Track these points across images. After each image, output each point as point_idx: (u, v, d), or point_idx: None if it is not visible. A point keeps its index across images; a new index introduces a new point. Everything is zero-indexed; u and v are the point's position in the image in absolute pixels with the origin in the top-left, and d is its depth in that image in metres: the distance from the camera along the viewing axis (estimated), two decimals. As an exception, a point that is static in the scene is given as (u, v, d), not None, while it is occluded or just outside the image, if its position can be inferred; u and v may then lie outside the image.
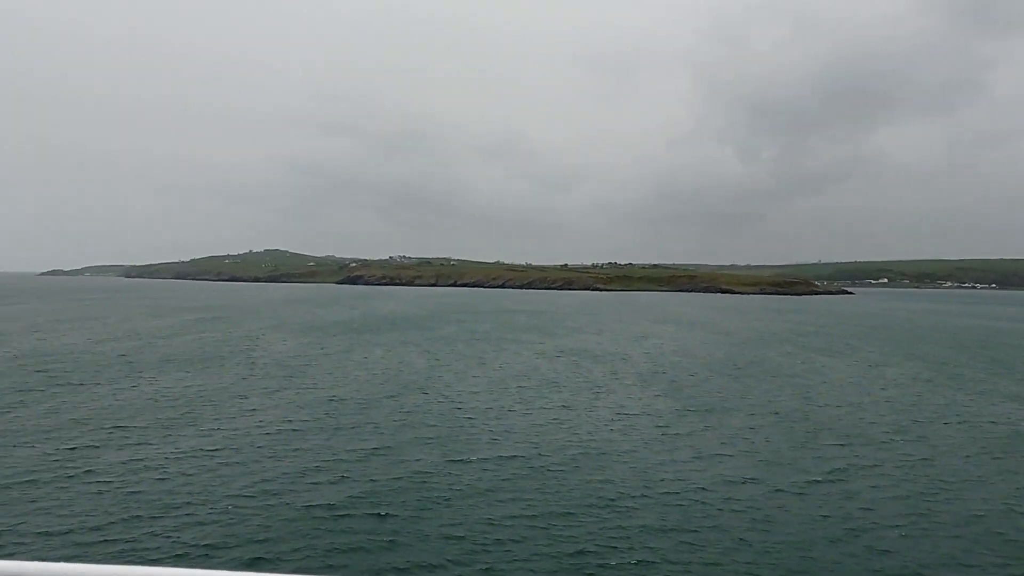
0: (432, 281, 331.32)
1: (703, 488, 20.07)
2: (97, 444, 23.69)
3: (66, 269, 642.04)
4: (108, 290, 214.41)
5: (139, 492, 18.73)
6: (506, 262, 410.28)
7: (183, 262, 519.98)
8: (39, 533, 15.75)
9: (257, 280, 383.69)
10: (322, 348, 54.72)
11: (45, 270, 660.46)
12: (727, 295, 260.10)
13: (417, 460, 22.50)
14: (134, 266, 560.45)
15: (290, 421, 27.92)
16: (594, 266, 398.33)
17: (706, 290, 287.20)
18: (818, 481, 21.02)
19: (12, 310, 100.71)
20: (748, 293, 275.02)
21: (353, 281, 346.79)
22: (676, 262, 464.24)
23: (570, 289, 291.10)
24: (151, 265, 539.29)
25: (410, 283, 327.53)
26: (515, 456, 23.23)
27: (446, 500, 18.68)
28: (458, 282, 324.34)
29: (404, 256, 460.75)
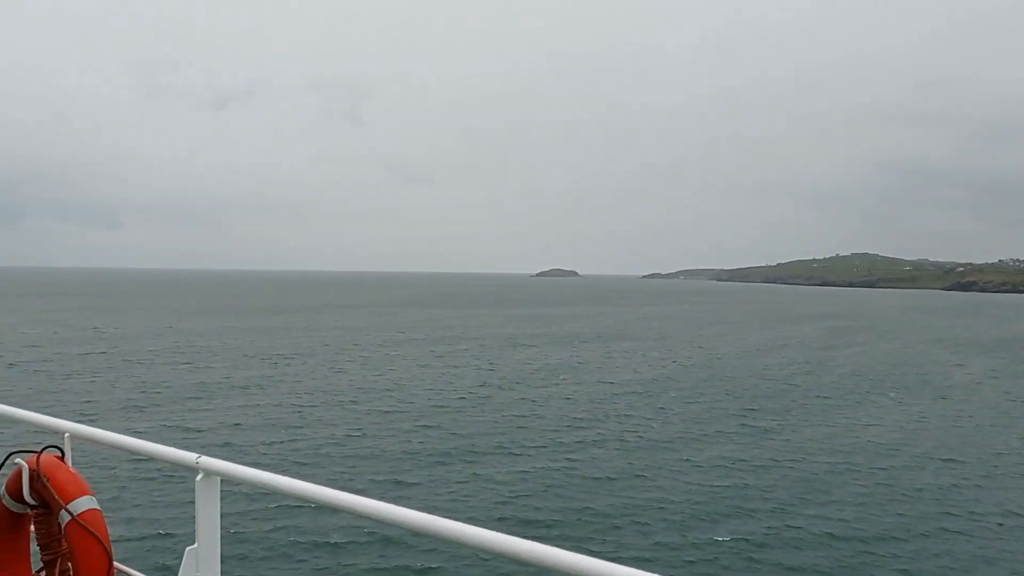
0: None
1: None
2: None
3: (663, 273, 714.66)
4: (708, 293, 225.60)
5: None
6: None
7: (770, 266, 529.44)
8: None
9: (851, 285, 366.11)
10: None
11: (645, 273, 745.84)
12: None
13: None
14: (724, 270, 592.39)
15: None
16: None
17: None
18: None
19: (651, 311, 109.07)
20: None
21: (964, 287, 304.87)
22: None
23: None
24: (741, 269, 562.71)
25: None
26: None
27: None
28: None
29: (1018, 260, 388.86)
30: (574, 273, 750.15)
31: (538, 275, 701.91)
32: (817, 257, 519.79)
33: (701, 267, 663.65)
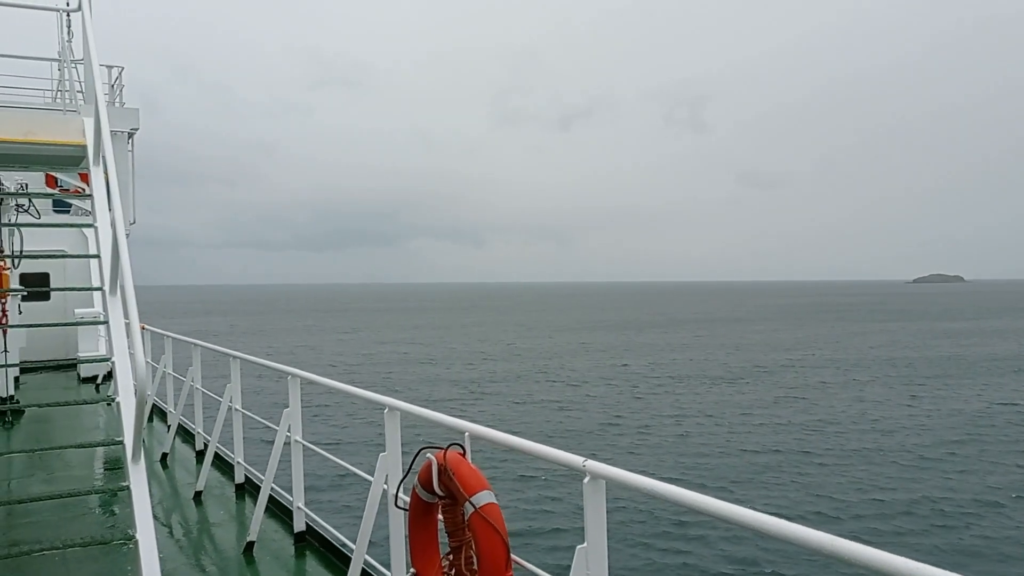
0: None
1: None
2: None
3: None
4: None
5: None
6: None
7: None
8: None
9: None
10: None
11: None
12: None
13: None
14: None
15: None
16: None
17: None
18: None
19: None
20: None
21: None
22: None
23: None
24: None
25: None
26: None
27: None
28: None
29: None
30: (959, 278, 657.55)
31: (915, 281, 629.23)
32: None
33: None
